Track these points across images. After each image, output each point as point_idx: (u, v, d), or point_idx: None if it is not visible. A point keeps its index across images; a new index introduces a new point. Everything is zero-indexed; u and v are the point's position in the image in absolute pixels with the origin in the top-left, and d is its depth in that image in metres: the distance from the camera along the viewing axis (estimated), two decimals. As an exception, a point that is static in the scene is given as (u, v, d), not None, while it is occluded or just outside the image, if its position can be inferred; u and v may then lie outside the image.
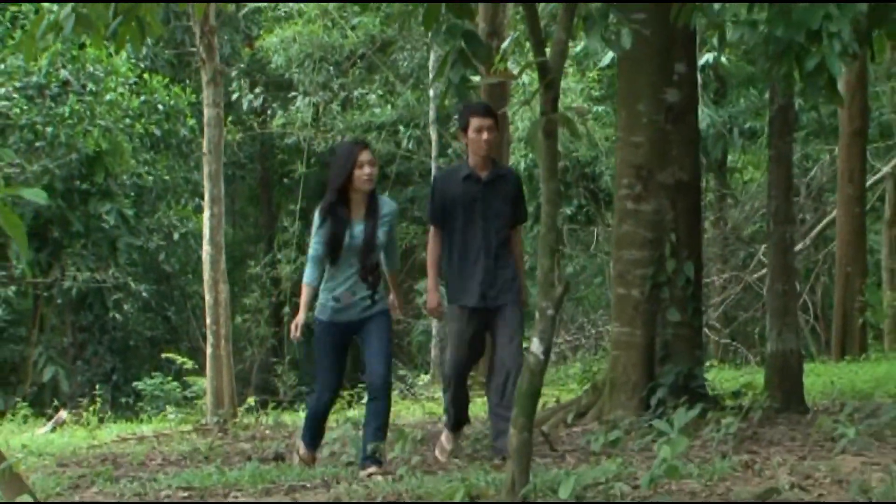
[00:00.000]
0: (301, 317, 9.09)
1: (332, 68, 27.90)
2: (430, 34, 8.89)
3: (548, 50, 7.43)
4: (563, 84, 24.62)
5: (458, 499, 7.41)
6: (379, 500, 8.01)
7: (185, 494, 8.75)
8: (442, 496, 7.72)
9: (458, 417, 10.08)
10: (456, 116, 24.27)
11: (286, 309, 27.41)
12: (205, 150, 15.30)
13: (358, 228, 8.99)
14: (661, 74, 11.79)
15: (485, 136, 9.64)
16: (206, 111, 15.12)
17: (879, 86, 23.60)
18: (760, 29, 9.96)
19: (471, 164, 9.74)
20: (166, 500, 8.54)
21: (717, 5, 9.96)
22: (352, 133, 27.45)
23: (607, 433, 10.11)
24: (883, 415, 10.73)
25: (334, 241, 8.95)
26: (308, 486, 8.91)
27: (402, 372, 21.02)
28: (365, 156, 8.98)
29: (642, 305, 11.64)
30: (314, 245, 9.07)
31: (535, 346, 7.13)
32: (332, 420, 11.20)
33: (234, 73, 28.97)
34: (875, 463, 8.71)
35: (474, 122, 9.65)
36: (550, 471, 8.25)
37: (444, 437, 10.24)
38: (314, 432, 9.70)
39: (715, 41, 13.73)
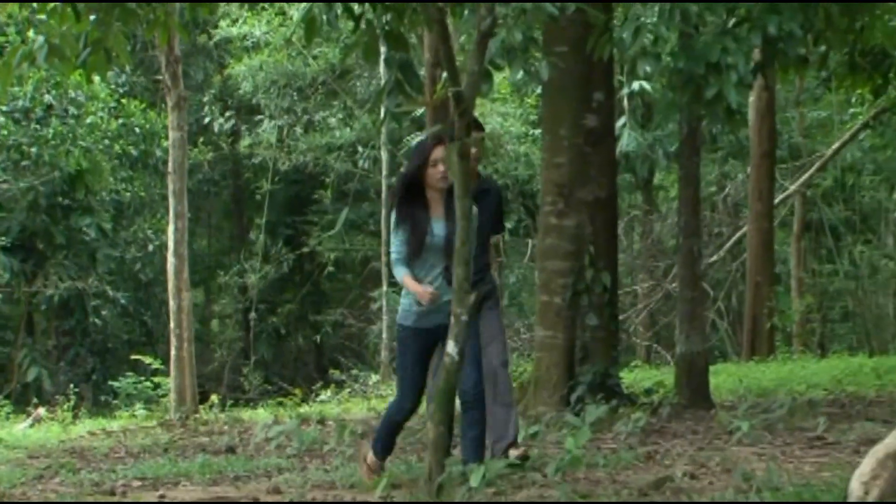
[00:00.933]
0: (419, 288, 7.63)
1: (295, 94, 27.95)
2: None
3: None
4: (503, 109, 24.97)
5: (381, 487, 7.45)
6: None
7: (139, 484, 8.76)
8: (369, 485, 7.77)
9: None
10: (408, 138, 24.47)
11: (253, 314, 27.49)
12: (170, 169, 15.30)
13: (438, 228, 7.73)
14: (582, 102, 11.90)
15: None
16: (170, 134, 15.16)
17: (790, 111, 23.81)
18: (666, 62, 10.06)
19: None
20: (120, 489, 8.53)
21: (627, 40, 10.01)
22: (313, 154, 27.49)
23: (528, 427, 10.16)
24: (776, 410, 10.86)
25: (416, 242, 7.73)
26: (252, 476, 8.94)
27: (354, 371, 21.10)
28: (438, 153, 7.70)
29: (564, 311, 11.73)
30: (394, 248, 7.78)
31: (451, 347, 7.19)
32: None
33: (206, 99, 29.00)
34: (764, 453, 8.83)
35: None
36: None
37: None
38: (387, 442, 8.14)
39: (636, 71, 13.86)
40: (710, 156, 22.98)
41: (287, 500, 7.58)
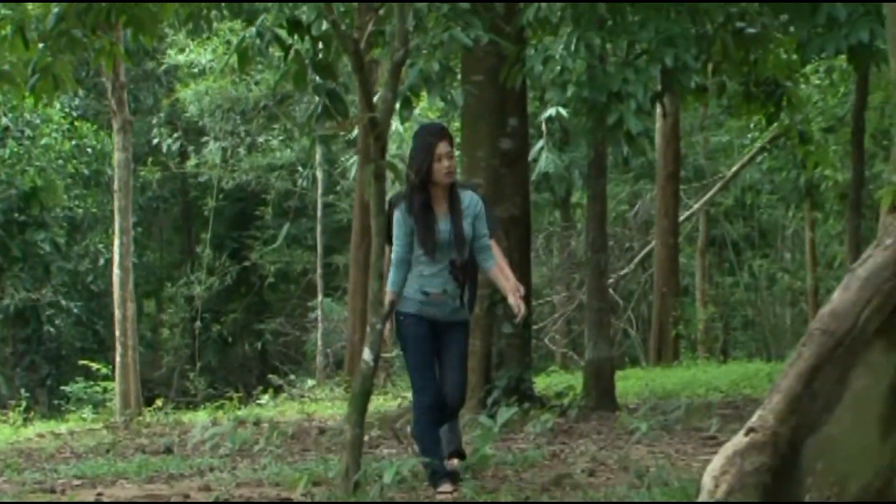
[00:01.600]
0: (385, 330, 7.30)
1: (238, 117, 27.91)
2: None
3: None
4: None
5: (302, 484, 7.46)
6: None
7: (79, 483, 8.70)
8: (292, 482, 7.78)
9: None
10: (343, 159, 24.52)
11: (198, 323, 27.38)
12: (116, 187, 15.22)
13: (444, 223, 7.20)
14: (497, 127, 11.95)
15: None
16: (116, 155, 15.09)
17: (695, 136, 24.06)
18: (573, 90, 10.14)
19: None
20: (60, 487, 8.47)
21: (537, 70, 10.11)
22: (255, 173, 27.47)
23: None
24: (674, 411, 10.96)
25: (429, 240, 7.14)
26: (185, 474, 8.90)
27: (291, 377, 21.04)
28: (443, 148, 7.14)
29: (481, 320, 11.75)
30: (396, 247, 7.21)
31: (366, 354, 7.22)
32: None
33: (155, 121, 28.89)
34: (660, 451, 8.91)
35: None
36: (382, 460, 8.34)
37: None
38: (429, 443, 7.31)
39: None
40: (622, 176, 23.18)
41: (214, 496, 7.55)
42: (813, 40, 10.32)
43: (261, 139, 28.35)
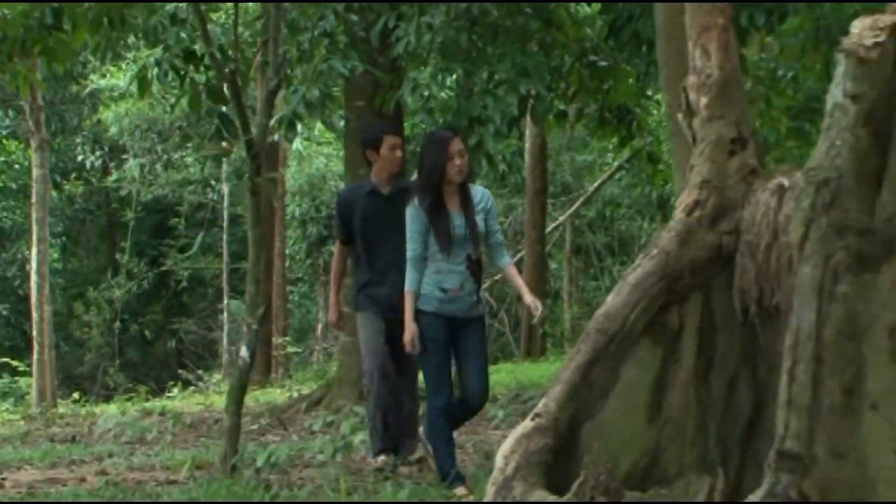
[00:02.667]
0: (411, 328, 6.53)
1: (155, 136, 27.65)
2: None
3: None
4: (327, 151, 25.05)
5: (186, 468, 7.46)
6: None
7: (-14, 470, 8.60)
8: (178, 466, 7.78)
9: (385, 424, 7.48)
10: (248, 175, 24.40)
11: (117, 324, 27.13)
12: (33, 200, 15.02)
13: (458, 219, 6.58)
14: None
15: (398, 153, 7.78)
16: (34, 171, 14.88)
17: (563, 155, 24.34)
18: (437, 116, 10.22)
19: (375, 180, 7.73)
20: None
21: (406, 97, 10.19)
22: (171, 187, 27.30)
23: (326, 417, 10.23)
24: (532, 400, 11.09)
25: (444, 236, 6.52)
26: (86, 460, 8.84)
27: (200, 371, 20.91)
28: (456, 145, 6.61)
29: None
30: (411, 246, 6.60)
31: (243, 352, 7.26)
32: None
33: (79, 140, 28.57)
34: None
35: (388, 140, 7.74)
36: (268, 446, 8.35)
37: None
38: (445, 445, 6.66)
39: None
40: (499, 191, 23.31)
41: (106, 480, 7.52)
42: (650, 72, 10.61)
43: (176, 156, 28.10)
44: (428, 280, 6.56)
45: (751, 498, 3.34)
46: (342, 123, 12.70)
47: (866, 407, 3.32)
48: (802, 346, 3.33)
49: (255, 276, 7.29)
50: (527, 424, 3.60)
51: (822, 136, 3.39)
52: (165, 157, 28.12)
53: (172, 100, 26.68)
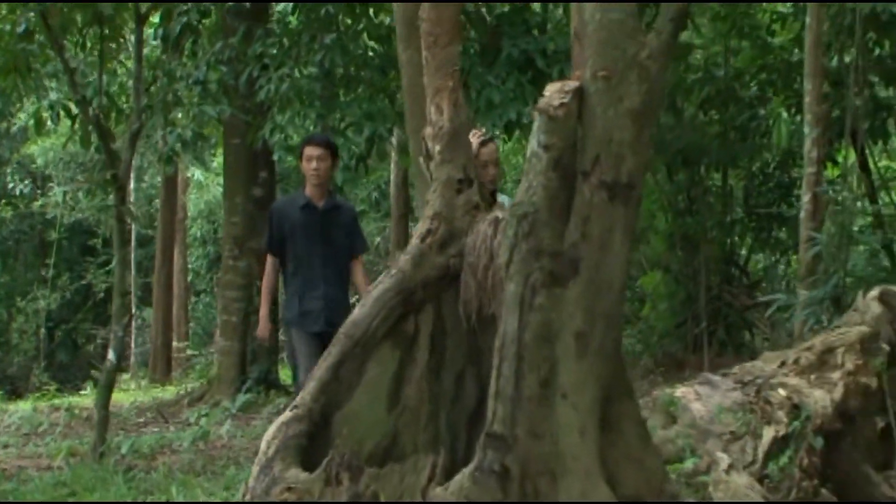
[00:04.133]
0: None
1: (77, 167, 27.30)
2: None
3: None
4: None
5: (61, 456, 7.45)
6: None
7: None
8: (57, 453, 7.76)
9: None
10: (157, 200, 24.21)
11: (43, 330, 26.76)
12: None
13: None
14: (250, 178, 12.05)
15: (314, 164, 6.70)
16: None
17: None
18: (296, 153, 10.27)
19: (307, 193, 6.82)
20: None
21: (268, 136, 10.29)
22: (90, 211, 26.99)
23: (202, 410, 10.25)
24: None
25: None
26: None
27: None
28: (487, 154, 5.81)
29: (239, 327, 11.84)
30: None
31: (111, 354, 7.28)
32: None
33: (10, 170, 28.22)
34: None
35: (306, 150, 6.78)
36: (137, 436, 8.37)
37: None
38: None
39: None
40: (375, 214, 23.47)
41: (-3, 467, 7.48)
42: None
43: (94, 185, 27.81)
44: None
45: (464, 471, 3.54)
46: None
47: (558, 396, 3.55)
48: (507, 347, 3.55)
49: (120, 291, 7.32)
50: (286, 414, 3.76)
51: (523, 179, 3.62)
52: (87, 185, 27.81)
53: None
